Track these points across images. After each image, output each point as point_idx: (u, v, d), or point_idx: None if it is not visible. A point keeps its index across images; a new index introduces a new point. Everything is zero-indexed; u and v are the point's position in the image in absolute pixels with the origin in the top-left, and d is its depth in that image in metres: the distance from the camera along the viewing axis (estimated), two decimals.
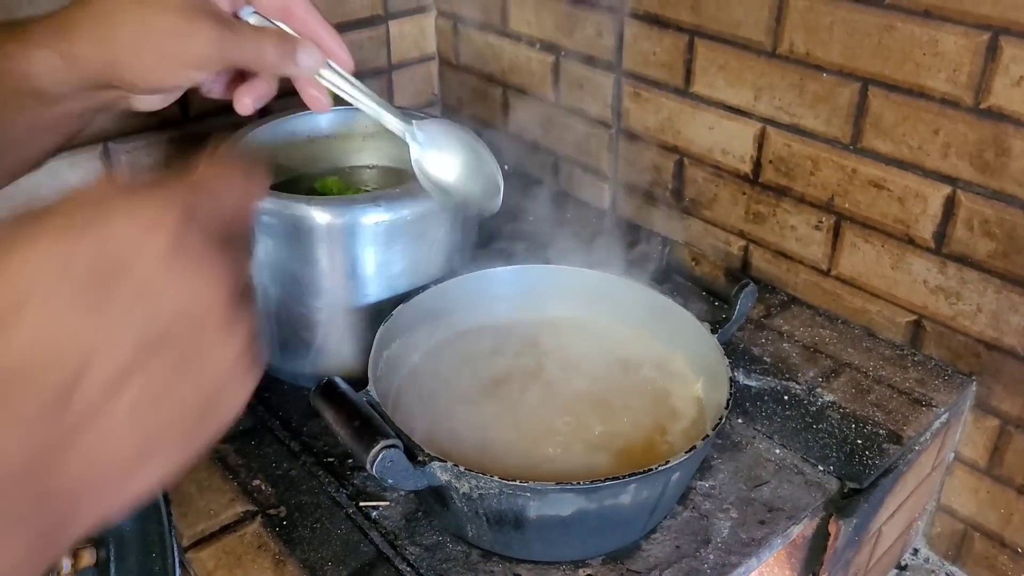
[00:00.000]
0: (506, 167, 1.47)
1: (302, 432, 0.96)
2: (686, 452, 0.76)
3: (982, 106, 0.91)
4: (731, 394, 0.83)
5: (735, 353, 1.06)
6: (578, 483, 0.73)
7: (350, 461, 0.93)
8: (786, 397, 1.01)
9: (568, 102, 1.37)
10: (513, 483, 0.73)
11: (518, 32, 1.39)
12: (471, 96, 1.54)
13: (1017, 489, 1.03)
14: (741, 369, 1.04)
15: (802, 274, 1.15)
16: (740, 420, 0.98)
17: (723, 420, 0.80)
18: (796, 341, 1.09)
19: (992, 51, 0.89)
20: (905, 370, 1.04)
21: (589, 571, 0.81)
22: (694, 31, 1.15)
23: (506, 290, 1.01)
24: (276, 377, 1.03)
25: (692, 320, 0.92)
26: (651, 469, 0.74)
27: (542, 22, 1.35)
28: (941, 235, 1.00)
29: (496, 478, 0.73)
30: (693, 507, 0.88)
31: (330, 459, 0.93)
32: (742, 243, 1.21)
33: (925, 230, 1.01)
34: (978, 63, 0.90)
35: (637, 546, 0.84)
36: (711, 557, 0.83)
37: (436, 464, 0.74)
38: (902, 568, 1.14)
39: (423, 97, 1.59)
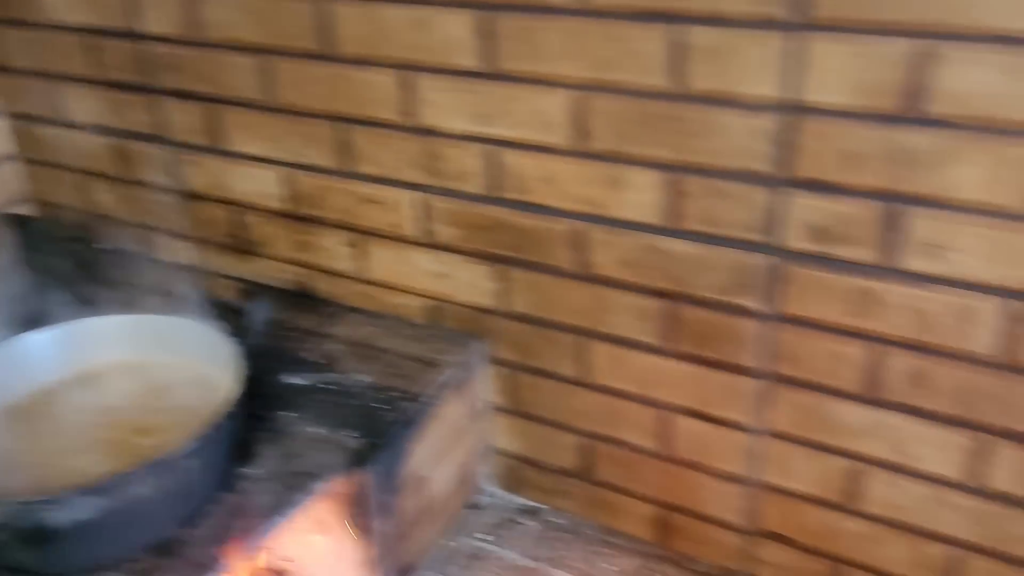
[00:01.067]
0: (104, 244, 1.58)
1: None
2: (190, 440, 0.92)
3: (415, 125, 1.17)
4: (244, 390, 1.00)
5: (283, 358, 1.24)
6: (93, 485, 0.87)
7: None
8: (331, 387, 1.20)
9: (138, 176, 1.50)
10: (33, 498, 0.85)
11: (74, 120, 1.51)
12: (61, 187, 1.63)
13: (537, 420, 1.29)
14: (288, 371, 1.22)
15: (345, 285, 1.36)
16: (287, 412, 1.15)
17: (226, 411, 0.97)
18: (343, 340, 1.30)
19: (410, 84, 1.15)
20: (427, 343, 1.28)
21: (142, 565, 0.95)
22: (214, 99, 1.34)
23: (49, 351, 1.12)
24: None
25: (221, 338, 1.09)
26: (156, 460, 0.90)
27: (92, 109, 1.48)
28: (427, 231, 1.25)
29: (15, 498, 0.85)
30: (240, 490, 1.04)
31: None
32: (298, 270, 1.41)
33: (414, 229, 1.25)
34: (403, 94, 1.16)
35: (179, 535, 0.98)
36: (254, 524, 0.99)
37: None
38: (476, 507, 1.37)
39: (6, 195, 1.66)
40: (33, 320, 1.15)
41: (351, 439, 1.11)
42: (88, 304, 1.21)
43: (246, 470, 1.07)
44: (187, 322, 1.11)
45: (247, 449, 1.08)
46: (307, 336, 1.31)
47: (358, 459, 1.09)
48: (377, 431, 1.12)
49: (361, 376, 1.22)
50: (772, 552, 1.20)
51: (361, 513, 1.12)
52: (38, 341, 1.10)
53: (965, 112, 0.85)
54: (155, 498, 0.92)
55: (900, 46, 0.85)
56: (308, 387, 1.20)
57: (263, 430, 1.12)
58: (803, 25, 0.89)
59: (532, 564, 1.28)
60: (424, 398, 1.18)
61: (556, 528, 1.34)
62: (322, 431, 1.12)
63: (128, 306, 1.15)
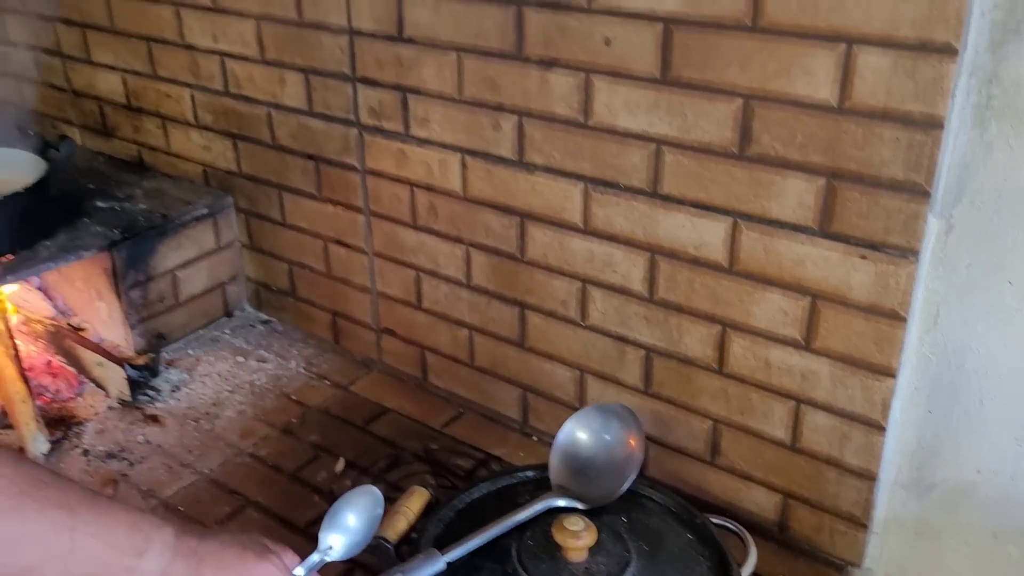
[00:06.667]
0: None
1: None
2: None
3: (183, 43, 1.81)
4: (39, 182, 1.64)
5: (100, 193, 1.89)
6: None
7: None
8: (118, 208, 1.84)
9: (48, 80, 2.18)
10: None
11: None
12: None
13: (265, 253, 1.91)
14: (99, 199, 1.87)
15: (157, 156, 2.01)
16: (86, 218, 1.79)
17: (17, 190, 1.61)
18: (143, 188, 1.94)
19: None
20: (192, 192, 1.91)
21: None
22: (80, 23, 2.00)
23: None
24: None
25: (39, 161, 1.73)
26: None
27: None
28: (196, 116, 1.88)
29: None
30: (35, 248, 1.68)
31: None
32: (135, 146, 2.06)
33: (191, 115, 1.89)
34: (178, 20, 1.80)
35: None
36: (39, 264, 1.63)
37: None
38: (230, 316, 1.98)
39: None
40: None
41: (115, 233, 1.74)
42: None
43: (45, 240, 1.71)
44: (20, 152, 1.76)
45: (48, 229, 1.72)
46: (124, 185, 1.95)
47: (113, 244, 1.72)
48: (132, 232, 1.75)
49: (141, 205, 1.86)
50: (389, 343, 1.78)
51: (119, 284, 1.75)
52: None
53: (421, 34, 1.44)
54: None
55: None
56: (106, 207, 1.85)
57: (66, 223, 1.76)
58: None
59: (250, 348, 1.89)
60: (175, 221, 1.81)
61: (276, 331, 1.95)
62: (99, 229, 1.76)
63: None
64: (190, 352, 1.87)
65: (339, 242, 1.76)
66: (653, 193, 1.30)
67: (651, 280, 1.35)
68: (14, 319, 1.78)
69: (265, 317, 2.00)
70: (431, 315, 1.68)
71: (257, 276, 1.97)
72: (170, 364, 1.81)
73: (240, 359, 1.85)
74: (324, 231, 1.78)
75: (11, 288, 1.76)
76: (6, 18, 2.18)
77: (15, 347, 1.65)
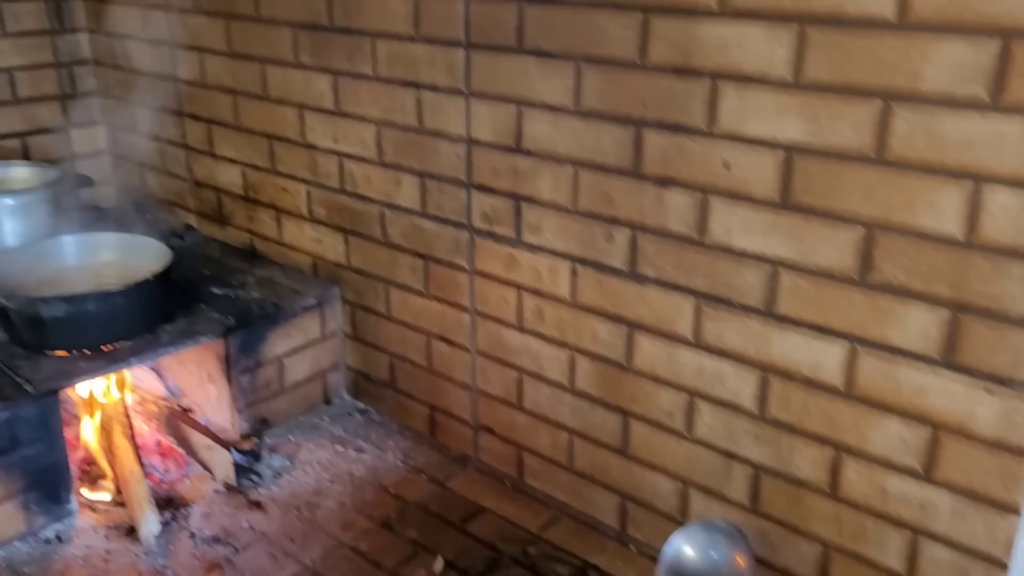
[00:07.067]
0: None
1: None
2: (122, 286, 1.65)
3: (304, 143, 1.91)
4: (165, 269, 1.73)
5: (216, 280, 1.98)
6: (63, 295, 1.61)
7: None
8: (232, 296, 1.92)
9: (170, 169, 2.31)
10: (34, 296, 1.60)
11: None
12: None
13: (367, 344, 1.96)
14: (214, 286, 1.95)
15: (270, 246, 2.10)
16: (203, 304, 1.88)
17: (146, 278, 1.70)
18: (256, 276, 2.02)
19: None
20: (302, 282, 1.98)
21: (87, 355, 1.67)
22: (209, 119, 2.13)
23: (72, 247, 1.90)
24: None
25: (165, 249, 1.83)
26: (100, 291, 1.63)
27: None
28: (310, 210, 1.96)
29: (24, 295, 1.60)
30: (156, 332, 1.76)
31: None
32: (248, 235, 2.15)
33: (305, 209, 1.98)
34: (300, 121, 1.90)
35: (113, 344, 1.70)
36: (159, 349, 1.71)
37: None
38: (329, 404, 2.03)
39: None
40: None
41: (230, 320, 1.82)
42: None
43: (166, 325, 1.79)
44: (149, 239, 1.86)
45: (169, 314, 1.81)
46: (238, 272, 2.04)
47: (228, 331, 1.79)
48: (246, 319, 1.83)
49: (254, 293, 1.94)
50: (486, 441, 1.80)
51: (230, 369, 1.82)
52: (70, 240, 1.89)
53: (539, 147, 1.50)
54: (100, 315, 1.65)
55: (510, 108, 1.52)
56: (221, 295, 1.93)
57: (184, 308, 1.84)
58: (469, 93, 1.57)
59: (348, 437, 1.93)
60: (286, 310, 1.88)
61: (373, 421, 1.99)
62: (215, 315, 1.84)
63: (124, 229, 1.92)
64: (291, 438, 1.92)
65: (443, 338, 1.81)
66: (768, 312, 1.31)
67: (762, 398, 1.35)
68: (129, 399, 1.86)
69: (362, 406, 2.04)
70: (531, 416, 1.70)
71: (357, 366, 2.03)
72: (272, 450, 1.87)
73: (339, 448, 1.89)
74: (428, 327, 1.82)
75: (133, 372, 1.84)
76: (135, 111, 2.33)
77: (132, 428, 1.73)
